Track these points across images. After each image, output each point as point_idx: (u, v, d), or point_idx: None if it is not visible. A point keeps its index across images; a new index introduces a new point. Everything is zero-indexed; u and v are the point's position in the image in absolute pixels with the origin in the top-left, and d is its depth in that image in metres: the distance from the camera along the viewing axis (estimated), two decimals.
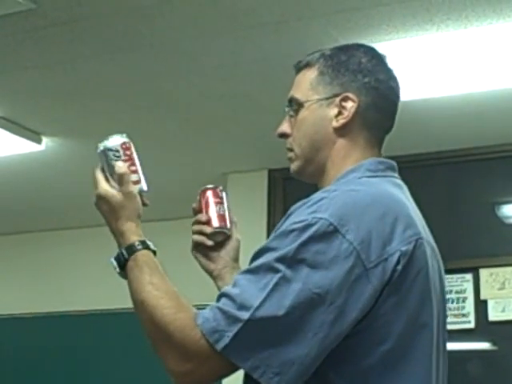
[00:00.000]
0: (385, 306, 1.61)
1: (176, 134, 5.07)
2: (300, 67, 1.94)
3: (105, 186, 1.90)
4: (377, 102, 1.85)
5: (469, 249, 5.06)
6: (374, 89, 1.84)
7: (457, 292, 4.96)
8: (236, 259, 2.13)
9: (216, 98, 4.53)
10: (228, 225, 2.13)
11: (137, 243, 1.85)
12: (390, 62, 1.97)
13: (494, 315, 4.89)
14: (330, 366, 1.60)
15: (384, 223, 1.64)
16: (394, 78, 1.92)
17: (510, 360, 4.84)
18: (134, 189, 1.90)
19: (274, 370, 1.54)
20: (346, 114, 1.82)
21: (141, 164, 1.97)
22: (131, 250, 1.83)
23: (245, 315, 1.55)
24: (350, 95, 1.82)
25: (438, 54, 3.92)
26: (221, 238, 2.13)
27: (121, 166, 1.93)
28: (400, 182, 1.86)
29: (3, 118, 4.79)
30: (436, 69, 4.04)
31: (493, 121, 4.74)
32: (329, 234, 1.58)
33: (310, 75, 1.89)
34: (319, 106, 1.84)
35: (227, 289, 1.63)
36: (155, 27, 3.76)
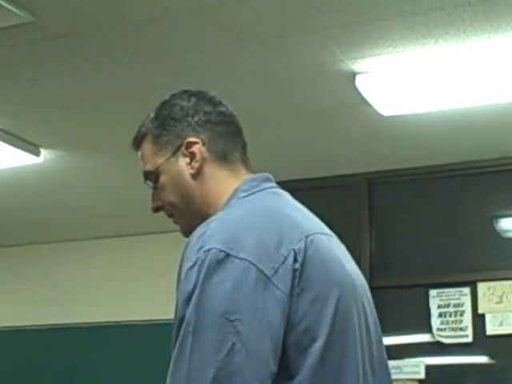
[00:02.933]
0: (302, 307, 1.62)
1: None
2: (136, 144, 2.02)
3: None
4: (217, 131, 1.91)
5: (467, 262, 5.06)
6: (206, 122, 1.91)
7: (454, 306, 4.96)
8: None
9: None
10: None
11: None
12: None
13: (491, 329, 4.89)
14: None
15: (269, 231, 1.66)
16: (218, 103, 1.99)
17: (508, 374, 4.84)
18: None
19: None
20: (197, 157, 1.87)
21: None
22: None
23: (183, 372, 1.57)
24: (192, 139, 1.88)
25: (436, 68, 3.93)
26: None
27: None
28: (278, 189, 1.89)
29: (2, 130, 4.79)
30: (434, 83, 4.05)
31: (491, 134, 4.75)
32: (222, 260, 1.60)
33: (148, 145, 1.96)
34: (170, 164, 1.90)
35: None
36: (155, 40, 3.77)
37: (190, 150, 1.87)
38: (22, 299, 7.15)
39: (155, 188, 1.95)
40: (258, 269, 1.60)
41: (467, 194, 5.22)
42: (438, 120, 4.51)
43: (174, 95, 1.98)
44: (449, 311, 4.93)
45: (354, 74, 3.98)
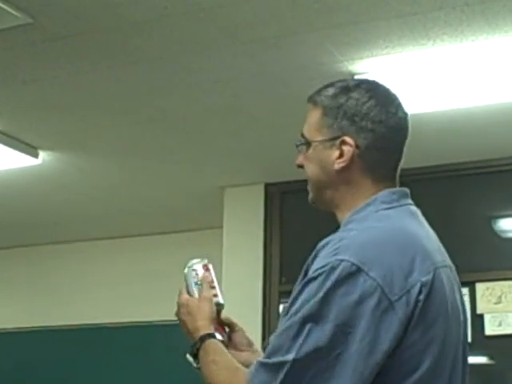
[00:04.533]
0: (413, 337, 1.68)
1: (174, 147, 5.07)
2: (310, 102, 1.99)
3: (185, 295, 2.12)
4: (377, 143, 1.89)
5: (465, 263, 5.06)
6: (371, 131, 1.88)
7: None
8: (251, 344, 2.19)
9: (213, 112, 4.54)
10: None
11: (206, 336, 1.99)
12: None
13: (490, 329, 4.89)
14: None
15: (403, 257, 1.72)
16: (394, 115, 1.93)
17: (507, 374, 4.84)
18: (209, 295, 2.12)
19: None
20: (345, 157, 1.88)
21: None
22: (201, 340, 1.98)
23: (289, 357, 1.65)
24: (348, 139, 1.87)
25: (434, 69, 3.93)
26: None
27: (202, 277, 2.16)
28: (414, 208, 1.93)
29: (0, 131, 4.79)
30: (432, 83, 4.05)
31: (489, 135, 4.75)
32: (353, 274, 1.66)
33: (315, 115, 1.95)
34: (323, 146, 1.91)
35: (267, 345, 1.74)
36: (154, 42, 3.77)
37: (343, 148, 1.88)
38: (19, 301, 7.15)
39: (303, 150, 1.96)
40: (384, 292, 1.66)
41: (466, 195, 5.22)
42: (436, 121, 4.51)
43: (357, 87, 1.93)
44: None
45: (352, 75, 3.98)
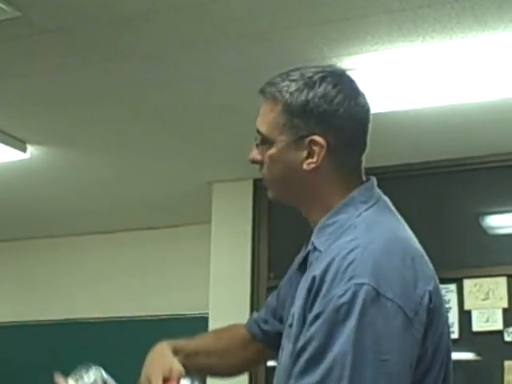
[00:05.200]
0: (426, 345, 1.69)
1: (161, 143, 5.06)
2: (265, 95, 1.86)
3: None
4: (347, 140, 1.81)
5: (453, 259, 5.07)
6: (340, 129, 1.79)
7: None
8: None
9: (202, 108, 4.54)
10: None
11: None
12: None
13: (477, 325, 4.91)
14: None
15: (406, 269, 1.69)
16: (361, 105, 1.83)
17: (494, 370, 4.85)
18: None
19: None
20: (315, 158, 1.78)
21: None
22: None
23: None
24: (317, 138, 1.77)
25: (423, 66, 3.93)
26: None
27: None
28: (384, 198, 1.88)
29: None
30: (421, 80, 4.06)
31: (478, 132, 4.76)
32: (375, 299, 1.62)
33: (274, 110, 1.82)
34: (287, 146, 1.80)
35: None
36: (142, 37, 3.76)
37: (313, 148, 1.78)
38: (7, 295, 7.13)
39: (258, 145, 1.86)
40: (404, 312, 1.64)
41: (453, 191, 5.23)
42: (425, 117, 4.52)
43: (322, 80, 1.80)
44: None
45: None
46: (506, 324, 4.86)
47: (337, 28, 3.64)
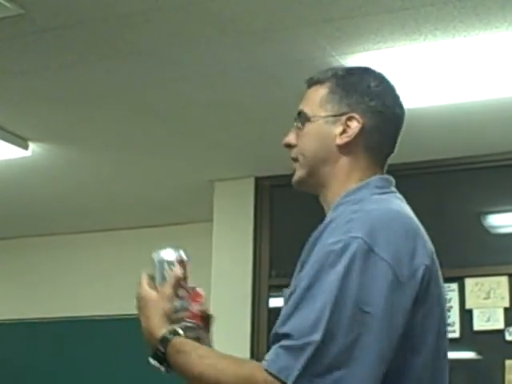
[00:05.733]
0: (415, 320, 1.69)
1: (163, 141, 5.06)
2: (311, 83, 1.99)
3: (146, 288, 1.93)
4: (381, 125, 1.92)
5: (455, 258, 5.07)
6: (379, 113, 1.91)
7: None
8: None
9: (203, 106, 4.53)
10: None
11: (167, 334, 1.83)
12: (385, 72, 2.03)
13: (478, 325, 4.90)
14: None
15: (407, 239, 1.73)
16: (400, 106, 1.99)
17: (495, 369, 4.85)
18: (171, 292, 1.91)
19: None
20: (350, 132, 1.88)
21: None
22: (165, 341, 1.82)
23: (313, 338, 1.59)
24: (356, 116, 1.89)
25: (425, 64, 3.93)
26: None
27: (176, 272, 1.95)
28: (400, 195, 1.94)
29: None
30: (424, 79, 4.06)
31: (480, 130, 4.76)
32: (366, 252, 1.65)
33: (320, 92, 1.94)
34: (325, 122, 1.91)
35: (279, 328, 1.66)
36: (143, 35, 3.76)
37: (349, 124, 1.89)
38: (8, 293, 7.13)
39: (298, 128, 1.95)
40: (395, 272, 1.66)
41: (455, 190, 5.23)
42: (428, 116, 4.52)
43: (369, 70, 2.00)
44: None
45: None
46: (508, 323, 4.86)
47: (339, 26, 3.64)
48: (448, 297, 4.96)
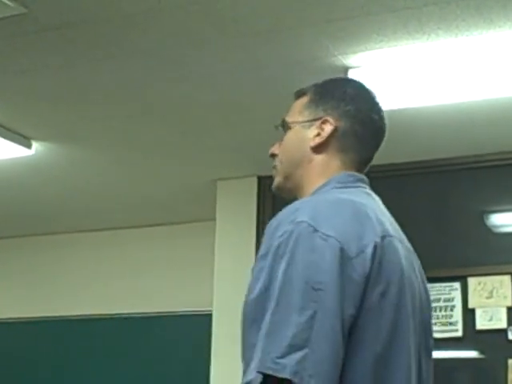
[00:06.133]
0: (370, 300, 1.69)
1: (166, 140, 5.07)
2: (297, 95, 2.10)
3: None
4: (356, 129, 1.98)
5: (457, 257, 5.07)
6: (354, 117, 1.98)
7: (445, 300, 4.97)
8: None
9: (206, 106, 4.53)
10: None
11: None
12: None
13: (481, 324, 4.90)
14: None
15: (355, 220, 1.76)
16: (377, 111, 2.04)
17: (498, 369, 4.85)
18: None
19: (308, 373, 1.60)
20: (322, 134, 1.97)
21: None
22: None
23: (268, 318, 1.64)
24: (330, 119, 1.97)
25: (428, 63, 3.93)
26: None
27: None
28: (370, 191, 1.97)
29: None
30: (426, 78, 4.05)
31: (482, 130, 4.76)
32: (311, 233, 1.69)
33: (301, 101, 2.06)
34: (302, 127, 2.00)
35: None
36: (146, 34, 3.76)
37: (323, 127, 1.97)
38: (11, 291, 7.14)
39: (282, 137, 2.06)
40: (343, 248, 1.69)
41: (458, 190, 5.23)
42: (430, 115, 4.52)
43: (349, 80, 2.16)
44: (439, 306, 4.94)
45: (346, 69, 3.98)
46: (510, 322, 4.86)
47: (342, 26, 3.64)
48: (451, 296, 4.97)
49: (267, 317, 1.64)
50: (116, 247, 6.83)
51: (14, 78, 4.24)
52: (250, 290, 1.74)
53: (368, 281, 1.69)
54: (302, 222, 1.70)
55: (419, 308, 1.87)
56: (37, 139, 5.05)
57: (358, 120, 1.98)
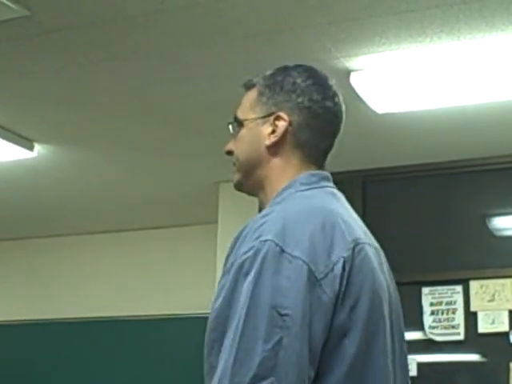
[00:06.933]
0: (340, 317, 1.65)
1: (168, 142, 5.07)
2: (246, 87, 2.02)
3: None
4: (310, 121, 1.90)
5: (459, 261, 5.07)
6: (306, 108, 1.89)
7: (447, 304, 4.97)
8: None
9: (208, 107, 4.54)
10: None
11: None
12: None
13: (483, 327, 4.90)
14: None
15: (324, 234, 1.70)
16: (331, 98, 1.94)
17: (499, 372, 4.85)
18: None
19: None
20: (277, 132, 1.89)
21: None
22: None
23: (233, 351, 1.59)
24: (282, 114, 1.89)
25: (430, 66, 3.93)
26: None
27: None
28: (334, 190, 1.91)
29: None
30: (429, 81, 4.05)
31: (484, 133, 4.76)
32: (278, 254, 1.63)
33: (250, 95, 1.98)
34: (256, 124, 1.92)
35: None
36: (149, 36, 3.76)
37: (277, 123, 1.89)
38: (13, 293, 7.14)
39: (234, 134, 1.99)
40: (310, 269, 1.63)
41: (460, 193, 5.23)
42: (432, 118, 4.52)
43: (295, 67, 1.96)
44: (441, 309, 4.93)
45: (348, 72, 3.98)
46: None
47: (344, 28, 3.64)
48: (453, 299, 4.97)
49: (233, 342, 1.59)
50: (117, 249, 6.83)
51: (16, 80, 4.24)
52: (212, 307, 1.70)
53: (338, 298, 1.65)
54: (267, 240, 1.65)
55: (395, 304, 1.85)
56: (39, 141, 5.06)
57: (312, 111, 1.89)
